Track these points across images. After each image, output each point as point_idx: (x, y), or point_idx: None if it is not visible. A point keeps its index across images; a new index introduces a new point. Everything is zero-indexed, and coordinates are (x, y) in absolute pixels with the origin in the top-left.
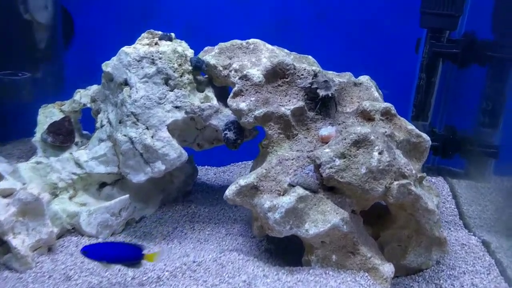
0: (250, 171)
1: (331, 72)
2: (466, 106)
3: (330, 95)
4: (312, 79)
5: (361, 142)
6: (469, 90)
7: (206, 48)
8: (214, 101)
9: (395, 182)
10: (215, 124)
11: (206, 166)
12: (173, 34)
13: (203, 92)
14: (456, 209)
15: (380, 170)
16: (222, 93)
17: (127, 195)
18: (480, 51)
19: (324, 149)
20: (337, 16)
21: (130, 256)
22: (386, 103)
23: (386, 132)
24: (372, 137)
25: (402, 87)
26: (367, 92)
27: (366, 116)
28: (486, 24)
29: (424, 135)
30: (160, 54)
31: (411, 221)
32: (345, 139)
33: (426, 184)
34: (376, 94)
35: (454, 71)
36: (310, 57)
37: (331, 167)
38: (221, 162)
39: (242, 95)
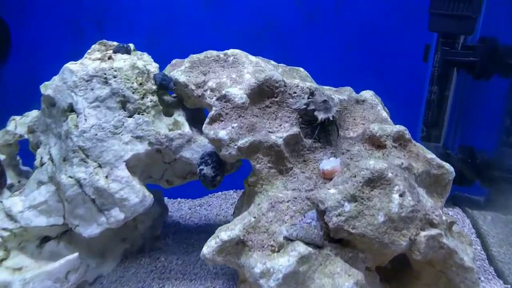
0: (234, 213)
1: (327, 87)
2: (486, 124)
3: (331, 118)
4: (308, 98)
5: (376, 181)
6: (489, 105)
7: (174, 62)
8: (186, 128)
9: (422, 233)
10: (188, 157)
11: (178, 199)
12: (131, 45)
13: (171, 116)
14: (483, 251)
15: (402, 218)
16: (196, 116)
17: (76, 254)
18: (502, 59)
19: (329, 189)
20: (331, 18)
21: None
22: (398, 125)
23: (402, 164)
24: (390, 175)
25: (409, 102)
26: (372, 112)
27: (375, 142)
28: (508, 27)
29: (447, 166)
30: (115, 71)
31: (441, 278)
32: (355, 177)
33: (455, 230)
34: (383, 113)
35: (471, 82)
36: (301, 69)
37: (339, 214)
38: (196, 193)
39: (222, 121)
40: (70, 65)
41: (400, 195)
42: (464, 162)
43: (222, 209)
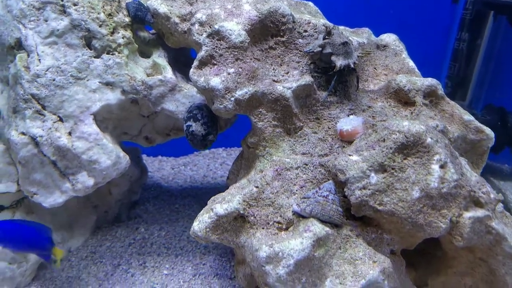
0: (228, 179)
1: (341, 27)
2: None
3: (351, 65)
4: (324, 39)
5: (411, 147)
6: None
7: None
8: (168, 73)
9: (466, 214)
10: (172, 110)
11: (159, 157)
12: None
13: (149, 58)
14: None
15: (443, 195)
16: (180, 58)
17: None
18: None
19: (350, 155)
20: None
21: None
22: (430, 78)
23: (437, 126)
24: (429, 140)
25: (431, 51)
26: (396, 60)
27: (402, 98)
28: None
29: (487, 130)
30: None
31: (479, 267)
32: (383, 141)
33: (497, 209)
34: (410, 62)
35: (510, 31)
36: (310, 3)
37: (364, 187)
38: (180, 150)
39: (214, 64)
40: None
41: (441, 167)
42: (492, 125)
43: (210, 170)
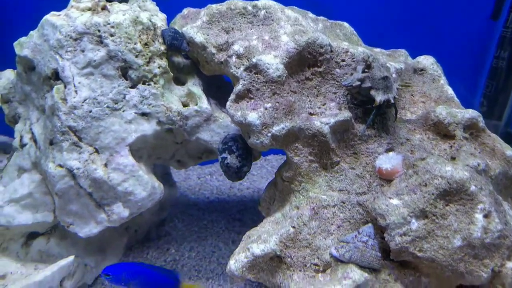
0: (260, 205)
1: (377, 49)
2: None
3: (391, 100)
4: (363, 72)
5: (453, 194)
6: None
7: (185, 11)
8: (204, 103)
9: (509, 264)
10: (206, 140)
11: None
12: None
13: (184, 85)
14: None
15: (485, 245)
16: (214, 85)
17: (71, 258)
18: None
19: (390, 198)
20: None
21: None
22: (470, 110)
23: (479, 165)
24: (473, 188)
25: (467, 68)
26: (434, 86)
27: (441, 131)
28: None
29: None
30: (112, 27)
31: None
32: (425, 185)
33: None
34: (449, 90)
35: None
36: (345, 24)
37: (404, 234)
38: None
39: (251, 98)
40: (52, 18)
41: (485, 216)
42: None
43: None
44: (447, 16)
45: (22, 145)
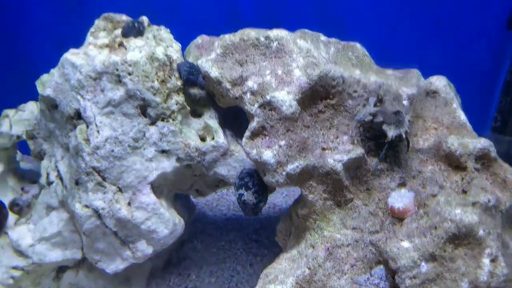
0: (277, 236)
1: (390, 71)
2: None
3: (403, 135)
4: (375, 105)
5: (462, 238)
6: None
7: (200, 40)
8: (220, 137)
9: None
10: (224, 174)
11: None
12: (145, 19)
13: (201, 117)
14: None
15: None
16: (230, 114)
17: None
18: None
19: (402, 240)
20: None
21: None
22: (482, 140)
23: (489, 201)
24: (481, 232)
25: (480, 82)
26: (446, 111)
27: (453, 162)
28: None
29: None
30: (130, 66)
31: None
32: (435, 229)
33: None
34: (462, 115)
35: None
36: (358, 45)
37: (414, 277)
38: None
39: (266, 135)
40: (72, 57)
41: (492, 260)
42: None
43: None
44: (461, 28)
45: (49, 183)
